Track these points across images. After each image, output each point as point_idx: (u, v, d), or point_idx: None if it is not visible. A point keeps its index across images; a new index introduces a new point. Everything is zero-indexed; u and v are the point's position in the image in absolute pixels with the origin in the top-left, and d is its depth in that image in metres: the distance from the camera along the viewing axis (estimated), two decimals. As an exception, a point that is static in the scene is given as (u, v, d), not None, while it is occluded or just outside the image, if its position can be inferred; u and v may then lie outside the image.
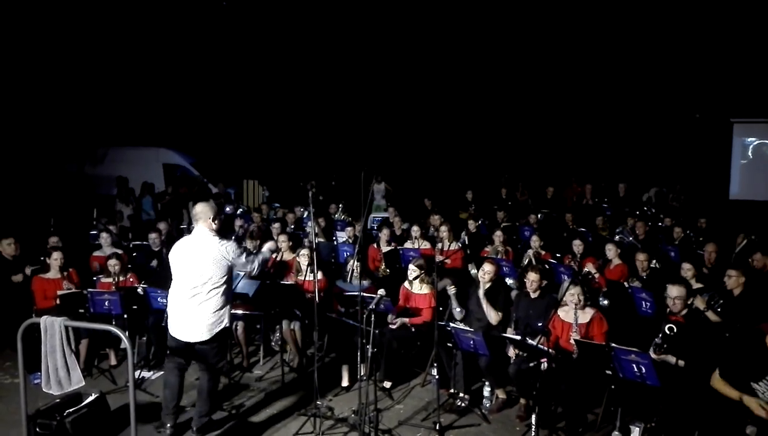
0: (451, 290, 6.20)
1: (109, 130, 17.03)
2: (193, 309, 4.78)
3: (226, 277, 4.87)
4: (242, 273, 5.49)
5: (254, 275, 6.06)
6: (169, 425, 4.96)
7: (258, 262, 5.13)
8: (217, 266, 4.79)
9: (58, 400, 4.87)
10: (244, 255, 4.96)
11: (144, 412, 5.28)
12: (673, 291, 5.25)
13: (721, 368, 4.33)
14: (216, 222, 4.98)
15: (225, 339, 5.02)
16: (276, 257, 7.76)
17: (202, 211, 4.95)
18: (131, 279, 6.99)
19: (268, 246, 5.51)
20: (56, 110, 15.49)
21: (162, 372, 5.53)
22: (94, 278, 7.35)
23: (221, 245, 4.86)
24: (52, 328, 4.14)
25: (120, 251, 7.56)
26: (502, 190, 13.07)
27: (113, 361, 6.87)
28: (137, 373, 6.27)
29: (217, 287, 4.80)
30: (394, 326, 6.25)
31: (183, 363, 5.07)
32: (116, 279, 6.81)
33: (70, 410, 4.88)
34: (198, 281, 4.77)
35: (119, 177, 13.64)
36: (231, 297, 4.99)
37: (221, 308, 4.84)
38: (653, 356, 4.81)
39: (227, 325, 4.94)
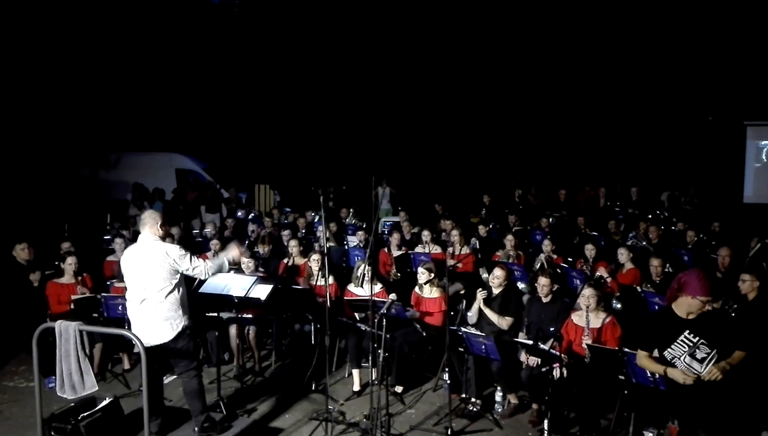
0: (480, 296, 6.14)
1: (122, 135, 17.16)
2: (146, 314, 4.81)
3: (174, 281, 4.86)
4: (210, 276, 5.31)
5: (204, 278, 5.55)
6: (155, 424, 4.96)
7: (210, 266, 5.04)
8: (162, 268, 4.80)
9: (72, 404, 4.90)
10: (187, 258, 4.90)
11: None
12: None
13: (640, 344, 4.42)
14: (162, 228, 5.02)
15: (190, 336, 4.96)
16: (287, 261, 7.80)
17: (149, 218, 5.01)
18: (144, 284, 7.01)
19: (230, 253, 5.32)
20: (69, 115, 15.62)
21: (175, 376, 5.55)
22: (108, 283, 7.40)
23: (162, 247, 4.88)
24: (67, 332, 4.18)
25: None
26: (515, 193, 13.02)
27: (127, 365, 6.92)
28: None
29: (166, 288, 4.80)
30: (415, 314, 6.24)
31: (156, 369, 5.05)
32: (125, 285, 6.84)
33: (85, 414, 4.91)
34: (145, 286, 4.81)
35: (135, 184, 13.76)
36: (185, 300, 4.96)
37: (174, 312, 4.83)
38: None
39: (186, 324, 4.91)
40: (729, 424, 4.13)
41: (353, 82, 18.77)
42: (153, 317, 4.80)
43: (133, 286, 4.92)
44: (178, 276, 4.92)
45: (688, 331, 4.15)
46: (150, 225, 4.97)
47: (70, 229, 10.77)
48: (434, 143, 18.30)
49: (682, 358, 4.16)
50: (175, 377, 5.69)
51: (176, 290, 4.89)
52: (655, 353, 4.35)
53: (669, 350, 4.21)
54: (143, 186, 13.74)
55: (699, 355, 4.13)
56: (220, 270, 5.24)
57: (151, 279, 4.81)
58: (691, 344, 4.13)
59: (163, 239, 5.06)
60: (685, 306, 4.15)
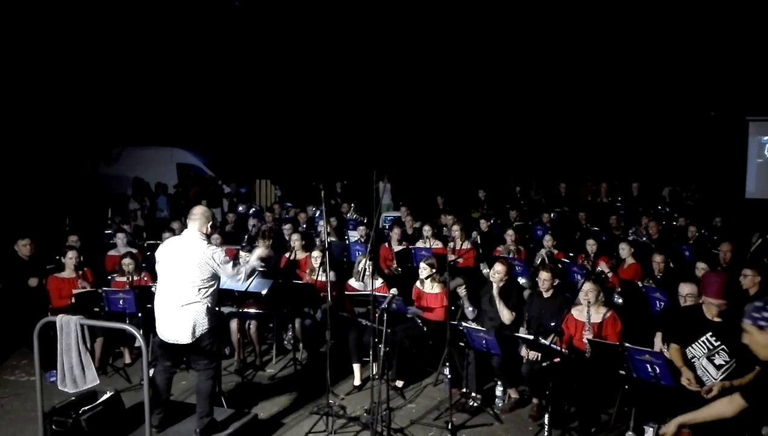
0: (462, 292, 6.19)
1: (123, 130, 17.17)
2: (177, 311, 4.71)
3: (212, 282, 4.79)
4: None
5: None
6: (156, 416, 4.96)
7: (245, 272, 5.00)
8: (201, 270, 4.71)
9: (73, 398, 4.90)
10: (231, 265, 4.84)
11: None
12: (685, 289, 5.21)
13: (671, 336, 4.41)
14: (210, 229, 4.93)
15: (214, 339, 4.92)
16: (288, 256, 7.80)
17: (201, 215, 4.89)
18: (145, 278, 7.03)
19: (257, 254, 5.28)
20: (70, 110, 15.62)
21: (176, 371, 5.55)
22: (109, 277, 7.41)
23: (208, 250, 4.77)
24: (68, 326, 4.18)
25: (134, 250, 7.62)
26: (516, 189, 13.01)
27: (128, 359, 6.93)
28: (151, 371, 6.29)
29: (201, 291, 4.72)
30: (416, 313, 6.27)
31: (170, 366, 5.05)
32: (130, 278, 6.86)
33: (86, 407, 4.91)
34: (182, 283, 4.70)
35: (135, 178, 13.76)
36: (216, 301, 4.90)
37: (206, 312, 4.75)
38: (667, 353, 4.78)
39: (214, 325, 4.86)
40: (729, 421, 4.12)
41: (354, 77, 18.74)
42: (185, 315, 4.70)
43: (168, 280, 4.79)
44: (217, 280, 4.86)
45: (710, 333, 4.09)
46: (201, 223, 4.86)
47: (71, 223, 10.77)
48: (435, 138, 18.28)
49: (700, 360, 4.11)
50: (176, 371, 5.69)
51: (212, 289, 4.82)
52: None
53: (690, 348, 4.16)
54: (143, 181, 13.75)
55: (717, 361, 4.05)
56: (252, 274, 5.21)
57: (191, 278, 4.69)
58: (711, 348, 4.07)
59: (209, 238, 4.95)
60: (707, 307, 4.12)
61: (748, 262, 7.34)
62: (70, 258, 6.87)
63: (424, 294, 6.46)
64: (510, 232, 8.45)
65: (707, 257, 7.08)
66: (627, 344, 4.80)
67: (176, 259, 4.78)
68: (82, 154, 16.26)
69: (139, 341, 4.00)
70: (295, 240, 7.92)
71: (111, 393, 5.20)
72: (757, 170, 15.20)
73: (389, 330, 5.59)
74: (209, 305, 4.79)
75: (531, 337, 5.37)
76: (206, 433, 4.91)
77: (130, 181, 14.22)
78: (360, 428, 5.34)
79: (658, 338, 5.14)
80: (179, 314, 4.71)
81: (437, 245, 8.61)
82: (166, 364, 5.03)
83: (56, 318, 4.22)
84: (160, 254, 4.93)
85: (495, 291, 6.08)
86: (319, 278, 6.85)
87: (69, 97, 15.47)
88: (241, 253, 6.76)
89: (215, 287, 4.85)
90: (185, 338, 4.72)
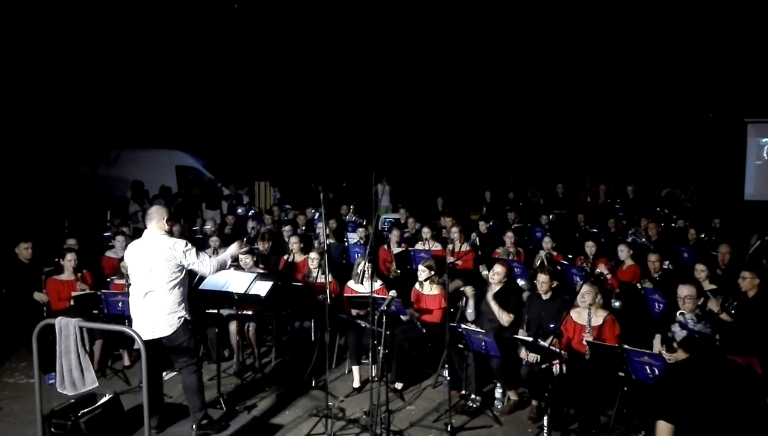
0: (470, 292, 6.17)
1: (122, 132, 17.14)
2: (149, 308, 4.84)
3: (177, 273, 4.90)
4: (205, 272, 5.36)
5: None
6: (154, 421, 4.98)
7: (214, 263, 5.08)
8: (167, 262, 4.84)
9: (72, 400, 4.91)
10: (193, 252, 4.95)
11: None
12: (683, 290, 5.21)
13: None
14: (168, 223, 5.05)
15: (190, 335, 4.99)
16: (287, 258, 7.80)
17: (156, 213, 5.04)
18: (144, 280, 7.02)
19: (231, 251, 5.45)
20: (69, 112, 15.60)
21: (175, 372, 5.55)
22: (108, 280, 7.41)
23: (171, 243, 4.91)
24: (67, 329, 4.18)
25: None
26: (510, 194, 13.05)
27: (127, 362, 6.93)
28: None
29: (169, 283, 4.84)
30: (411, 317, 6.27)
31: (156, 362, 5.05)
32: (129, 280, 6.84)
33: (85, 410, 4.91)
34: (151, 280, 4.84)
35: (135, 181, 13.75)
36: (186, 294, 5.01)
37: (177, 305, 4.88)
38: (665, 355, 4.78)
39: (188, 318, 4.95)
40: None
41: (353, 79, 18.75)
42: (156, 310, 4.83)
43: (137, 279, 4.95)
44: (184, 270, 4.96)
45: None
46: (157, 220, 5.00)
47: (70, 225, 10.77)
48: (434, 140, 18.28)
49: None
50: (174, 373, 5.70)
51: (180, 283, 4.94)
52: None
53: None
54: (142, 183, 13.75)
55: None
56: (222, 267, 5.28)
57: (157, 272, 4.84)
58: None
59: (170, 233, 5.09)
60: None
61: (746, 264, 7.35)
62: (69, 260, 6.86)
63: (423, 296, 6.46)
64: (509, 234, 8.46)
65: (706, 259, 7.09)
66: (626, 346, 4.81)
67: (144, 257, 4.91)
68: (81, 157, 16.24)
69: (138, 344, 4.00)
70: (294, 242, 7.92)
71: (110, 396, 5.20)
72: (756, 172, 15.22)
73: (388, 332, 5.60)
74: (178, 295, 4.90)
75: (530, 339, 5.38)
76: (202, 429, 4.91)
77: (129, 183, 14.21)
78: (359, 430, 5.35)
79: (657, 339, 5.14)
80: (156, 308, 4.83)
81: (436, 246, 8.61)
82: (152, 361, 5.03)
83: (55, 321, 4.22)
84: (127, 258, 5.08)
85: (489, 295, 6.09)
86: (318, 280, 6.85)
87: (68, 100, 15.46)
88: (240, 254, 6.75)
89: (181, 277, 4.94)
90: (168, 330, 4.83)
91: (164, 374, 5.62)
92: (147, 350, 4.62)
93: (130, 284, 5.25)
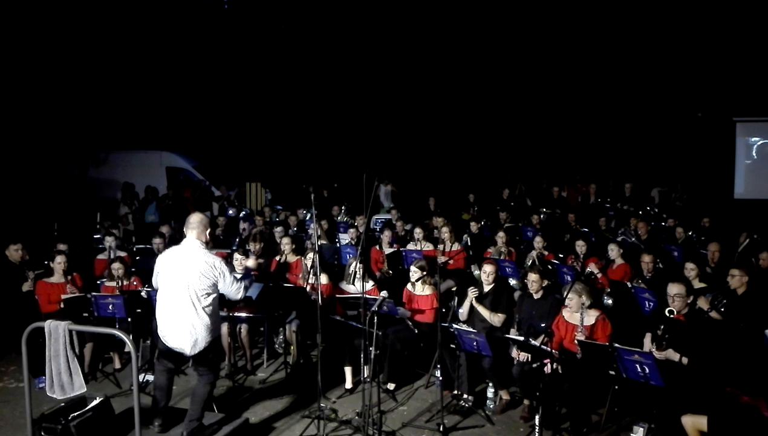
0: (472, 293, 6.16)
1: (112, 133, 17.06)
2: (183, 320, 4.73)
3: (212, 291, 4.82)
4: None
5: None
6: (157, 424, 4.97)
7: (243, 287, 5.05)
8: (204, 278, 4.75)
9: (62, 404, 4.87)
10: (231, 279, 4.89)
11: (148, 415, 5.27)
12: (673, 289, 5.24)
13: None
14: (208, 236, 4.95)
15: (217, 346, 4.99)
16: (279, 259, 7.79)
17: (198, 223, 4.89)
18: (135, 283, 7.00)
19: (249, 265, 5.64)
20: (59, 114, 15.52)
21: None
22: (98, 282, 7.37)
23: (212, 261, 4.81)
24: (57, 332, 4.16)
25: (124, 255, 7.58)
26: (503, 192, 13.07)
27: (117, 364, 6.89)
28: (141, 376, 6.28)
29: (202, 300, 4.75)
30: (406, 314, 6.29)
31: (172, 367, 5.09)
32: (120, 283, 6.83)
33: (75, 413, 4.88)
34: (184, 293, 4.73)
35: (125, 183, 13.70)
36: (217, 312, 4.93)
37: (208, 324, 4.78)
38: (656, 353, 4.81)
39: (216, 336, 4.92)
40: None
41: (345, 80, 18.74)
42: (193, 325, 4.72)
43: (171, 290, 4.79)
44: (217, 290, 4.90)
45: None
46: (199, 231, 4.86)
47: (59, 228, 10.70)
48: (426, 141, 18.30)
49: None
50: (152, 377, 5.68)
51: (214, 297, 4.86)
52: None
53: None
54: (134, 185, 13.69)
55: None
56: (247, 289, 5.26)
57: (193, 287, 4.72)
58: None
59: (208, 245, 4.99)
60: None
61: (735, 262, 7.41)
62: (59, 263, 6.81)
63: (415, 296, 6.47)
64: (500, 233, 8.47)
65: (696, 258, 7.13)
66: (616, 345, 4.83)
67: (178, 268, 4.79)
68: (71, 158, 16.15)
69: (129, 347, 3.98)
70: (286, 244, 7.91)
71: (101, 399, 5.16)
72: (746, 171, 15.33)
73: (380, 333, 5.60)
74: (210, 317, 4.81)
75: (522, 338, 5.39)
76: (193, 434, 4.89)
77: (119, 185, 14.13)
78: (351, 431, 5.34)
79: (647, 338, 5.18)
80: (182, 325, 4.74)
81: (428, 247, 8.62)
82: (168, 365, 5.04)
83: (44, 324, 4.19)
84: (160, 264, 4.94)
85: (474, 301, 6.09)
86: (310, 281, 6.84)
87: (57, 101, 15.37)
88: (236, 254, 6.74)
89: (215, 296, 4.87)
90: (188, 350, 4.77)
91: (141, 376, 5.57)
92: (168, 357, 4.82)
93: (154, 289, 5.15)
